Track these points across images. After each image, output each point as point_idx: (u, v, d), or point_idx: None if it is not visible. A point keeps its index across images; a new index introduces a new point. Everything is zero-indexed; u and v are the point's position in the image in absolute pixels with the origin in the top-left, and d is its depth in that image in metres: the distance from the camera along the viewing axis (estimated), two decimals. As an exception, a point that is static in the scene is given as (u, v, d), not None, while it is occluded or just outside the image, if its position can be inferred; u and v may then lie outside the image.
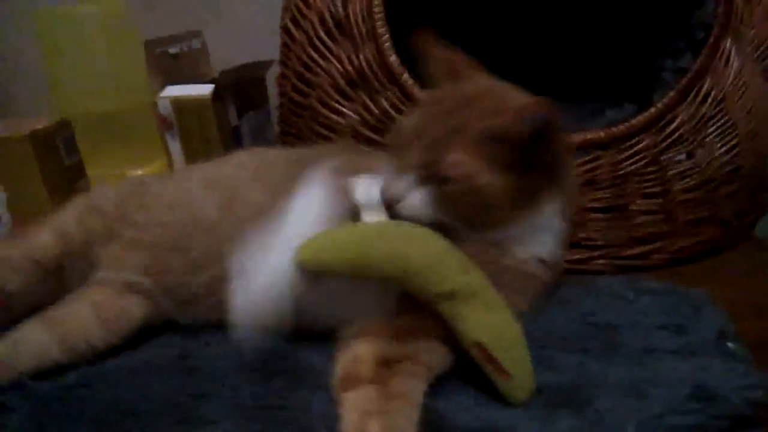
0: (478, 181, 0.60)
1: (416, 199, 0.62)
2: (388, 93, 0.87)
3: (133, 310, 0.71)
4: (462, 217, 0.63)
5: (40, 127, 0.91)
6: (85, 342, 0.67)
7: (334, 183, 0.66)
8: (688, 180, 0.89)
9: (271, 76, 1.30)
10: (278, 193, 0.67)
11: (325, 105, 0.93)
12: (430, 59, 0.70)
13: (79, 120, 1.10)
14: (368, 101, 0.89)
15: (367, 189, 0.64)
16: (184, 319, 0.72)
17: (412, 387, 0.55)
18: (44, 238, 0.74)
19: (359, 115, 0.91)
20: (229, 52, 1.45)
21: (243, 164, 0.78)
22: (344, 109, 0.92)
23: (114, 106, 1.26)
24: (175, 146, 1.24)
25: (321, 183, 0.66)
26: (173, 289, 0.71)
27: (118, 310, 0.70)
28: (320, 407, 0.57)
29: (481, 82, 0.68)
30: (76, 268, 0.74)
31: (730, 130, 0.90)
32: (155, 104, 1.22)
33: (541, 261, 0.67)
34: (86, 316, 0.69)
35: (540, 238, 0.66)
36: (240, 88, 1.28)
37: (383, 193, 0.63)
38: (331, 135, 0.94)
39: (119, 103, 1.27)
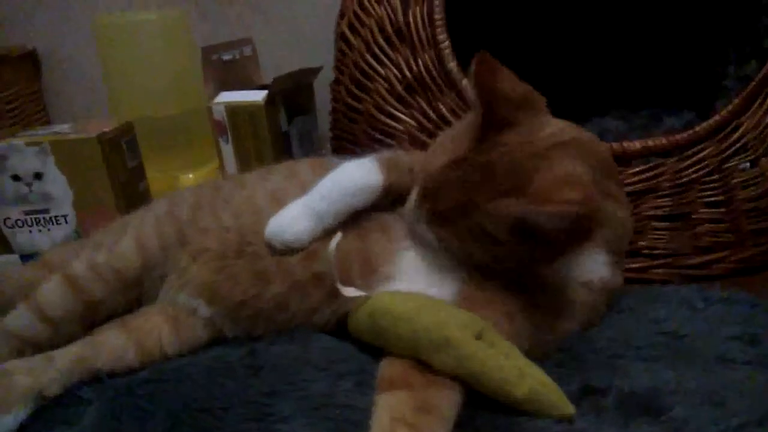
0: (473, 257, 0.61)
1: (434, 240, 0.64)
2: (447, 99, 0.88)
3: (198, 330, 0.72)
4: (481, 257, 0.62)
5: (107, 129, 0.93)
6: (159, 348, 0.70)
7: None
8: (752, 189, 0.87)
9: (319, 81, 1.33)
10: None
11: (381, 110, 0.94)
12: (496, 91, 0.58)
13: (136, 124, 1.13)
14: (426, 107, 0.89)
15: None
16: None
17: (447, 400, 0.54)
18: (126, 247, 0.74)
19: (416, 120, 0.92)
20: (278, 59, 1.48)
21: (306, 182, 0.76)
22: (401, 115, 0.92)
23: (170, 112, 1.29)
24: (228, 150, 1.27)
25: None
26: (236, 307, 0.70)
27: (188, 327, 0.72)
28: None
29: (527, 144, 0.58)
30: (153, 283, 0.75)
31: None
32: (210, 110, 1.25)
33: (589, 284, 0.66)
34: (161, 325, 0.71)
35: (586, 266, 0.65)
36: (290, 94, 1.31)
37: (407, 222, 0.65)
38: (388, 140, 0.95)
39: (175, 109, 1.31)
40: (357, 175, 0.68)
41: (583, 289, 0.65)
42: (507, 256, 0.60)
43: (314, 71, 1.36)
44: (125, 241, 0.75)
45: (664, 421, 0.52)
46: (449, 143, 0.63)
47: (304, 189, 0.74)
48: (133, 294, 0.74)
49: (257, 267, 0.70)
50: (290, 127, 1.33)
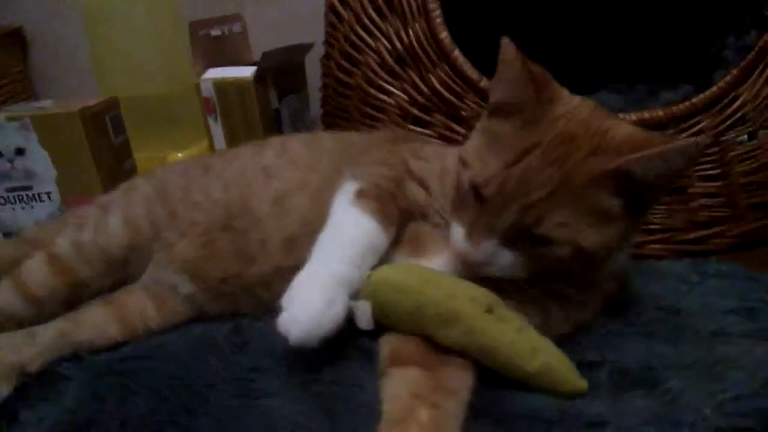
0: (583, 242, 0.53)
1: (507, 261, 0.55)
2: (438, 71, 0.85)
3: (180, 308, 0.71)
4: (554, 273, 0.57)
5: (89, 104, 0.91)
6: (143, 323, 0.69)
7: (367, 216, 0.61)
8: (749, 162, 0.86)
9: (310, 59, 1.30)
10: (323, 200, 0.66)
11: (372, 84, 0.92)
12: (514, 77, 0.56)
13: (123, 103, 1.10)
14: (417, 80, 0.87)
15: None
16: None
17: (462, 381, 0.53)
18: (114, 226, 0.73)
19: (407, 94, 0.89)
20: (268, 37, 1.45)
21: (297, 159, 0.75)
22: (392, 88, 0.90)
23: (158, 90, 1.27)
24: (217, 129, 1.24)
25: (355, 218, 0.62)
26: (218, 284, 0.69)
27: (171, 304, 0.70)
28: (372, 382, 0.56)
29: (576, 113, 0.56)
30: (138, 264, 0.73)
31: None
32: (198, 87, 1.22)
33: (615, 273, 0.63)
34: (144, 301, 0.70)
35: (615, 259, 0.62)
36: (281, 72, 1.28)
37: (463, 257, 0.56)
38: (379, 115, 0.93)
39: (163, 87, 1.28)
40: (359, 238, 0.61)
41: (611, 281, 0.63)
42: (595, 253, 0.54)
43: (305, 48, 1.33)
44: (112, 220, 0.73)
45: (659, 394, 0.51)
46: (485, 150, 0.57)
47: (296, 166, 0.74)
48: (118, 275, 0.73)
49: (241, 245, 0.69)
50: (281, 105, 1.31)
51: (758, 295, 0.63)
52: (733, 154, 0.85)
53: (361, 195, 0.63)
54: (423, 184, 0.67)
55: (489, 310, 0.54)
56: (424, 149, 0.72)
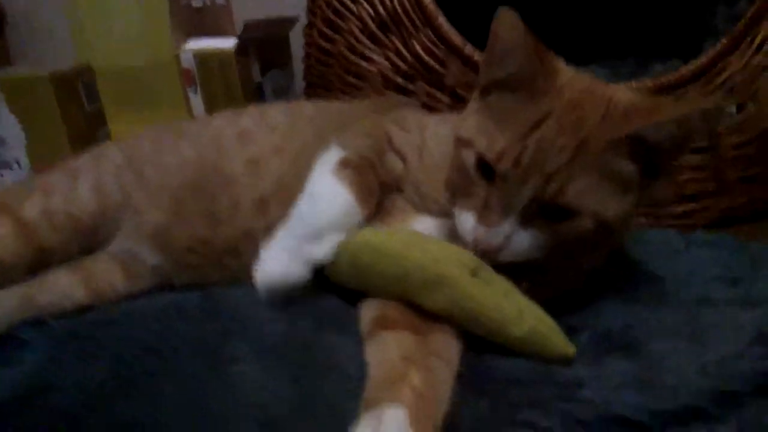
0: (604, 212, 0.51)
1: (524, 244, 0.52)
2: (422, 36, 0.83)
3: (147, 280, 0.69)
4: (572, 252, 0.54)
5: (61, 68, 0.88)
6: (110, 285, 0.66)
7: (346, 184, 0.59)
8: (738, 135, 0.84)
9: (295, 36, 1.27)
10: (300, 166, 0.64)
11: (354, 51, 0.89)
12: (519, 47, 0.53)
13: (102, 75, 1.07)
14: (400, 46, 0.85)
15: None
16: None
17: (452, 349, 0.51)
18: (84, 193, 0.70)
19: (390, 61, 0.87)
20: (251, 9, 1.41)
21: (275, 125, 0.73)
22: (374, 56, 0.88)
23: (137, 61, 1.23)
24: (197, 102, 1.21)
25: (335, 184, 0.60)
26: (184, 253, 0.67)
27: (138, 276, 0.68)
28: (348, 349, 0.54)
29: (576, 82, 0.55)
30: (107, 232, 0.71)
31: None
32: (178, 58, 1.19)
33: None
34: (111, 266, 0.68)
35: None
36: (264, 45, 1.25)
37: (477, 244, 0.53)
38: (361, 83, 0.90)
39: (142, 59, 1.25)
40: (334, 212, 0.59)
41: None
42: (616, 224, 0.53)
43: (289, 21, 1.30)
44: (82, 187, 0.71)
45: (641, 357, 0.49)
46: (490, 126, 0.54)
47: (274, 132, 0.72)
48: (86, 243, 0.70)
49: (210, 207, 0.67)
50: (264, 79, 1.28)
51: (745, 263, 0.61)
52: (721, 126, 0.83)
53: (343, 165, 0.61)
54: (402, 156, 0.65)
55: (475, 274, 0.51)
56: (408, 119, 0.70)
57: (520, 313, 0.50)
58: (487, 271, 0.52)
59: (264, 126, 0.73)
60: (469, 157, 0.55)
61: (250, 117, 0.75)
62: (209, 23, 1.28)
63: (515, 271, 0.53)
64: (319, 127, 0.71)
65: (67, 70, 0.89)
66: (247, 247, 0.65)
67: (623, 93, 0.54)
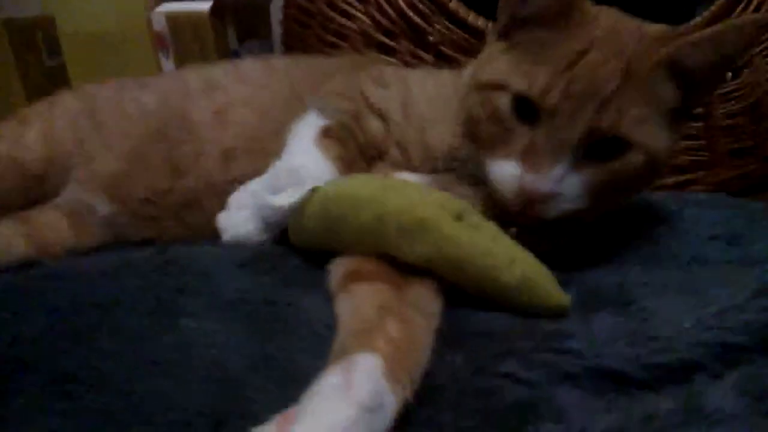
0: (656, 145, 0.49)
1: (575, 190, 0.49)
2: (405, -10, 0.78)
3: (98, 233, 0.64)
4: (617, 197, 0.52)
5: (18, 16, 0.82)
6: (56, 238, 0.62)
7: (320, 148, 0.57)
8: (731, 103, 0.81)
9: (277, 10, 1.22)
10: (271, 119, 0.61)
11: (334, 8, 0.85)
12: None
13: (68, 37, 1.01)
14: (383, 1, 0.80)
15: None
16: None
17: (432, 303, 0.46)
18: (32, 138, 0.66)
19: (371, 17, 0.82)
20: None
21: (246, 77, 0.70)
22: (355, 12, 0.83)
23: (107, 25, 1.17)
24: (170, 68, 1.15)
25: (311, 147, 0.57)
26: (140, 205, 0.63)
27: (87, 227, 0.64)
28: (316, 306, 0.49)
29: (605, 12, 0.53)
30: (55, 183, 0.66)
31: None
32: (149, 20, 1.13)
33: None
34: (57, 218, 0.63)
35: None
36: (242, 11, 1.20)
37: (526, 194, 0.48)
38: (341, 43, 0.85)
39: (112, 21, 1.18)
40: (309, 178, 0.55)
41: None
42: (664, 160, 0.52)
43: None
44: (30, 133, 0.66)
45: (632, 312, 0.44)
46: (525, 64, 0.51)
47: (244, 83, 0.68)
48: (32, 193, 0.65)
49: (173, 157, 0.62)
50: (241, 48, 1.22)
51: (741, 221, 0.57)
52: (714, 93, 0.79)
53: (326, 134, 0.57)
54: (382, 115, 0.60)
55: (459, 218, 0.46)
56: (386, 74, 0.65)
57: (510, 260, 0.45)
58: (473, 215, 0.47)
59: (234, 77, 0.69)
60: (503, 101, 0.51)
61: (220, 68, 0.72)
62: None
63: (553, 231, 0.49)
64: (292, 81, 0.67)
65: (26, 18, 0.83)
66: (208, 201, 0.60)
67: (649, 25, 0.53)
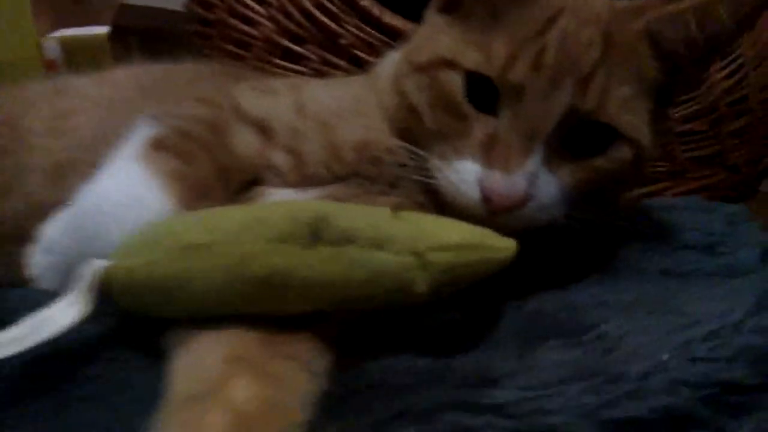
0: (642, 138, 0.40)
1: (551, 192, 0.38)
2: (311, -12, 0.68)
3: None
4: (595, 205, 0.40)
5: None
6: None
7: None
8: (687, 106, 0.72)
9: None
10: (109, 134, 0.43)
11: (235, 15, 0.74)
12: None
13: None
14: (287, 2, 0.70)
15: None
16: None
17: (318, 358, 0.30)
18: None
19: (275, 22, 0.71)
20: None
21: (105, 81, 0.58)
22: (258, 17, 0.72)
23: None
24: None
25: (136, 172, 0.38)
26: None
27: None
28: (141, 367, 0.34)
29: None
30: None
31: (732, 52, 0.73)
32: (40, 47, 1.01)
33: None
34: None
35: None
36: (151, 37, 1.09)
37: (491, 199, 0.37)
38: (242, 52, 0.74)
39: (4, 51, 1.06)
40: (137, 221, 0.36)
41: None
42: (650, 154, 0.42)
43: (172, 13, 1.14)
44: None
45: (587, 342, 0.31)
46: (480, 35, 0.41)
47: (98, 87, 0.56)
48: None
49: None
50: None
51: (719, 226, 0.46)
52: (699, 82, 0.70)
53: (156, 146, 0.40)
54: (262, 126, 0.45)
55: (316, 236, 0.29)
56: (275, 83, 0.52)
57: (406, 267, 0.29)
58: (342, 217, 0.30)
59: (91, 81, 0.57)
60: (453, 81, 0.39)
61: (86, 76, 0.60)
62: (86, 12, 1.11)
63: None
64: (145, 86, 0.55)
65: None
66: (33, 226, 0.45)
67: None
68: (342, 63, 0.69)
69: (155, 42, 1.04)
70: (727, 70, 0.73)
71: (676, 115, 0.71)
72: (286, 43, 0.71)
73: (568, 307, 0.35)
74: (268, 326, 0.30)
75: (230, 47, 0.75)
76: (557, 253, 0.41)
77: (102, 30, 0.99)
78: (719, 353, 0.28)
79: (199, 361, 0.28)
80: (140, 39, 1.04)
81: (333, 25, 0.69)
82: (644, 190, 0.71)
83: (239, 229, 0.29)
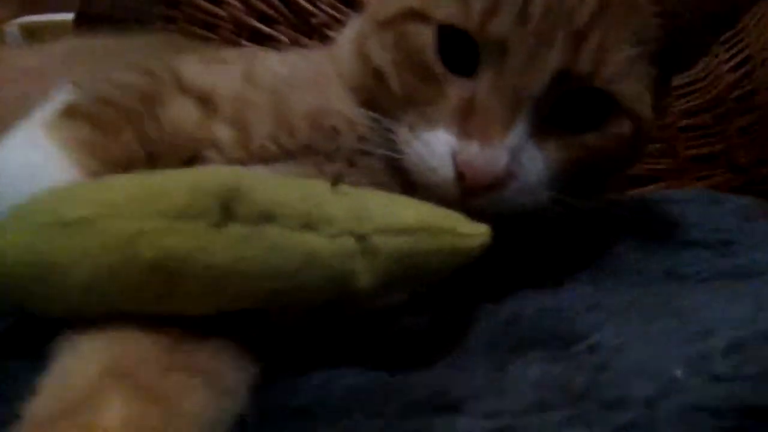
0: (643, 109, 0.35)
1: (536, 169, 0.33)
2: (279, -38, 0.63)
3: None
4: (586, 188, 0.35)
5: None
6: None
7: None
8: (690, 99, 0.66)
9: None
10: (31, 103, 0.37)
11: (202, -5, 0.69)
12: None
13: None
14: (255, -21, 0.65)
15: None
16: None
17: (230, 372, 0.24)
18: None
19: (243, 1, 0.67)
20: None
21: (42, 52, 0.55)
22: (225, -4, 0.67)
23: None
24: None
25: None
26: None
27: None
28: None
29: None
30: None
31: (740, 40, 0.68)
32: (2, 33, 0.96)
33: None
34: None
35: None
36: (122, 26, 1.03)
37: (466, 174, 0.32)
38: (209, 35, 0.69)
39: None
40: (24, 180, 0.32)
41: None
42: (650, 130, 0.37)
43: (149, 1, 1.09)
44: None
45: (576, 354, 0.25)
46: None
47: (29, 58, 0.53)
48: None
49: None
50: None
51: (730, 222, 0.40)
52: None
53: (69, 113, 0.35)
54: (205, 97, 0.39)
55: (226, 212, 0.23)
56: (227, 53, 0.48)
57: (364, 249, 0.23)
58: (255, 194, 0.24)
59: (29, 51, 0.53)
60: (423, 36, 0.34)
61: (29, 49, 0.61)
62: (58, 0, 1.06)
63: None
64: (79, 55, 0.50)
65: None
66: None
67: None
68: (314, 44, 0.64)
69: (122, 28, 0.99)
70: (732, 62, 0.68)
71: (678, 109, 0.66)
72: (255, 23, 0.65)
73: (554, 312, 0.29)
74: (173, 331, 0.24)
75: (196, 29, 0.70)
76: (541, 246, 0.35)
77: (67, 16, 0.94)
78: (745, 371, 0.22)
79: (71, 373, 0.22)
80: (107, 25, 0.99)
81: (305, 3, 0.64)
82: (644, 189, 0.66)
83: (128, 202, 0.23)
